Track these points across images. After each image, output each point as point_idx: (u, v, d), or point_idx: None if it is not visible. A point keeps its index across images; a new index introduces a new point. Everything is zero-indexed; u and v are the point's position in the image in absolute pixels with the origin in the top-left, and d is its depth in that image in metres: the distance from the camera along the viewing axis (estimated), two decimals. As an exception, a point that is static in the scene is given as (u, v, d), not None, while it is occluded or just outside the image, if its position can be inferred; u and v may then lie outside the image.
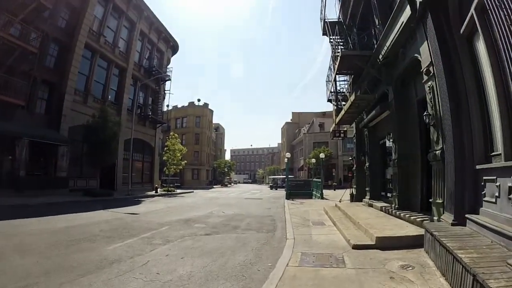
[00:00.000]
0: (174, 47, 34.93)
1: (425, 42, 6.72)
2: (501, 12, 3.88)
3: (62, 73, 19.50)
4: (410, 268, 4.70)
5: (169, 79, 31.90)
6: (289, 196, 19.23)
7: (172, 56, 35.37)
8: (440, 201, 6.41)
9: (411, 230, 6.78)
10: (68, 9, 20.30)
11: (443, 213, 6.16)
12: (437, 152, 6.51)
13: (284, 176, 31.58)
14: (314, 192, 20.98)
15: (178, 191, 31.52)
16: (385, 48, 9.26)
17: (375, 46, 10.42)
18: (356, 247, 6.08)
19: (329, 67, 14.49)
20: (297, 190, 20.40)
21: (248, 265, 5.09)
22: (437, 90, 6.35)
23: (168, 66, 33.39)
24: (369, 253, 5.65)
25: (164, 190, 28.33)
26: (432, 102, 6.64)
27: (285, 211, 12.50)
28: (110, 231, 8.05)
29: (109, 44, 23.91)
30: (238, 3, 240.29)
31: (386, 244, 5.95)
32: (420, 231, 6.18)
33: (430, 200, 7.03)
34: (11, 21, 15.41)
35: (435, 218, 6.52)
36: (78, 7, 20.45)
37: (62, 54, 19.76)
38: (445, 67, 5.87)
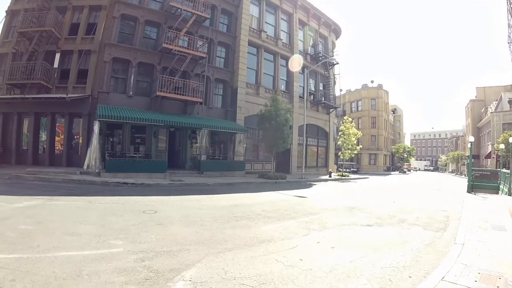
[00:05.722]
0: (336, 31, 34.10)
1: None
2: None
3: (231, 71, 22.64)
4: None
5: (337, 63, 31.15)
6: (471, 189, 17.86)
7: (336, 39, 34.66)
8: None
9: None
10: (225, 15, 23.35)
11: None
12: None
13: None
14: (501, 186, 18.08)
15: (353, 176, 31.18)
16: None
17: None
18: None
19: (508, 24, 9.98)
20: (481, 182, 18.58)
21: (400, 268, 4.53)
22: None
23: (334, 50, 32.85)
24: None
25: (338, 175, 28.58)
26: None
27: (463, 207, 11.17)
28: (272, 212, 8.62)
29: (272, 38, 25.60)
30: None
31: None
32: None
33: None
34: (177, 35, 18.77)
35: None
36: (234, 11, 23.43)
37: (229, 54, 22.96)
38: None
